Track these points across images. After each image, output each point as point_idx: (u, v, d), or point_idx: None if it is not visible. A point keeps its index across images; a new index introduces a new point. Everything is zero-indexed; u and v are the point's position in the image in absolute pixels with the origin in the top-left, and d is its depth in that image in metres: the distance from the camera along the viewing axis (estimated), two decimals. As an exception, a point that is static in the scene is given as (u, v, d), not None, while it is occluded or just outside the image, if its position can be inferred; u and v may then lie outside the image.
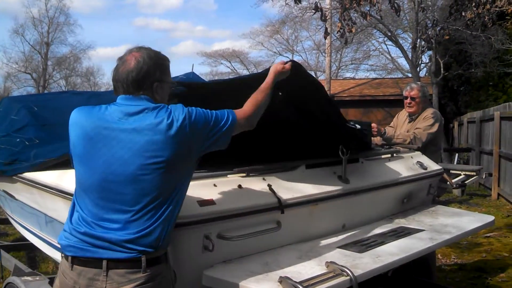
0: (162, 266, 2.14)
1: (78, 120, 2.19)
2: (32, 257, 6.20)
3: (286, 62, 2.65)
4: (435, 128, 4.67)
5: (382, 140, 4.65)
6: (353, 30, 6.14)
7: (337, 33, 5.88)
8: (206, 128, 2.18)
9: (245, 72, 46.59)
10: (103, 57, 72.32)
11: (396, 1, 6.07)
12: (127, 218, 2.06)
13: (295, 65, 2.68)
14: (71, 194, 3.06)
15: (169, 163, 2.07)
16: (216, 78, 46.01)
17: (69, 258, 2.11)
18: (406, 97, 4.87)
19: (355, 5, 5.53)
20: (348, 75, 33.64)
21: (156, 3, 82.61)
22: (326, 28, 6.45)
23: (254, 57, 52.66)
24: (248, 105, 2.42)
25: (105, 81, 51.96)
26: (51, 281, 3.81)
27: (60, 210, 3.36)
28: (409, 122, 4.92)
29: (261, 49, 42.50)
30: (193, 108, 2.20)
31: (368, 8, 6.82)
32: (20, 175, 3.75)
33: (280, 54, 41.69)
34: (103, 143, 2.09)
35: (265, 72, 2.68)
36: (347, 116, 18.06)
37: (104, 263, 2.03)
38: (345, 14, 5.68)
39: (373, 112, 19.26)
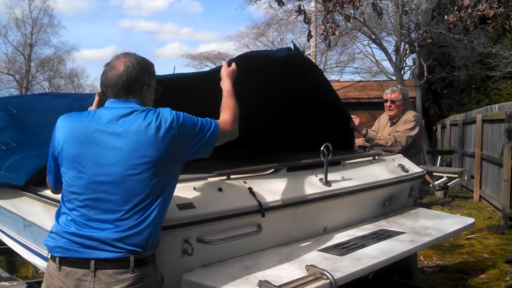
0: (149, 267, 2.16)
1: (67, 125, 2.22)
2: (12, 262, 6.10)
3: (230, 64, 2.70)
4: (415, 131, 4.71)
5: (364, 141, 4.67)
6: (336, 32, 6.15)
7: (321, 35, 5.91)
8: (193, 131, 2.23)
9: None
10: (88, 59, 71.68)
11: (380, 4, 6.11)
12: (116, 218, 2.09)
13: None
14: (50, 198, 3.03)
15: (158, 164, 2.12)
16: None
17: (57, 259, 2.11)
18: (386, 100, 4.91)
19: (338, 7, 5.56)
20: (333, 77, 33.68)
21: (141, 5, 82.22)
22: (310, 31, 6.48)
23: (239, 59, 52.40)
24: (227, 114, 2.45)
25: (89, 83, 51.54)
26: (30, 286, 3.76)
27: (38, 214, 3.31)
28: (390, 125, 4.96)
29: (247, 51, 42.53)
30: (180, 112, 2.25)
31: (352, 11, 6.86)
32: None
33: (266, 57, 41.81)
34: (94, 145, 2.13)
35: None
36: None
37: (92, 263, 2.04)
38: (329, 16, 5.71)
39: (357, 114, 19.05)
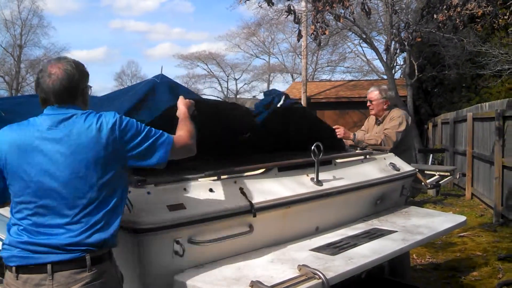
0: (107, 264, 2.19)
1: (8, 137, 2.20)
2: None
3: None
4: (403, 127, 4.73)
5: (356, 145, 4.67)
6: (327, 32, 6.14)
7: (311, 35, 5.89)
8: (136, 137, 2.22)
9: (222, 75, 46.61)
10: (79, 60, 70.92)
11: (370, 3, 6.12)
12: (67, 222, 2.11)
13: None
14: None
15: (101, 165, 2.14)
16: (193, 80, 45.87)
17: (13, 268, 2.11)
18: (367, 100, 5.02)
19: (328, 7, 5.55)
20: (324, 77, 33.92)
21: (132, 5, 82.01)
22: (300, 31, 6.46)
23: (230, 59, 52.56)
24: (182, 131, 2.45)
25: (80, 84, 51.19)
26: None
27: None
28: (378, 125, 5.00)
29: (238, 51, 42.64)
30: (128, 117, 2.27)
31: (342, 11, 6.86)
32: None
33: (257, 56, 41.87)
34: (36, 153, 2.13)
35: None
36: (323, 117, 18.12)
37: (49, 267, 2.06)
38: (318, 16, 5.70)
39: (349, 113, 19.39)
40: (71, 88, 2.23)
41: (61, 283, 2.07)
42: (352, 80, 24.63)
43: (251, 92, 49.30)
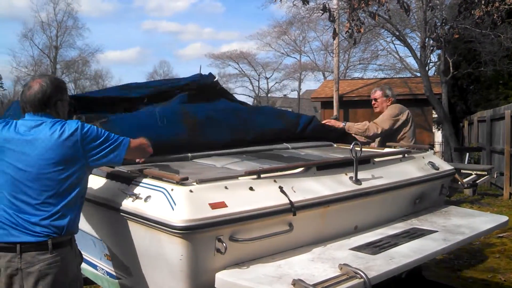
0: (67, 249, 2.60)
1: None
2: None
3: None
4: (395, 112, 5.16)
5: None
6: (362, 30, 6.08)
7: (346, 33, 5.84)
8: (96, 140, 2.67)
9: (253, 74, 46.68)
10: (112, 60, 72.73)
11: (405, 0, 6.03)
12: (35, 209, 2.53)
13: None
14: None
15: (62, 164, 2.57)
16: (224, 79, 46.10)
17: None
18: (372, 99, 5.48)
19: (363, 5, 5.50)
20: (356, 75, 33.52)
21: (164, 6, 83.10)
22: (335, 29, 6.41)
23: (261, 58, 52.69)
24: (140, 139, 2.91)
25: (114, 83, 52.12)
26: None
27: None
28: None
29: (269, 50, 42.56)
30: (89, 125, 2.73)
31: (376, 8, 6.78)
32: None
33: (288, 55, 41.74)
34: (11, 151, 2.60)
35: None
36: (356, 116, 17.88)
37: (18, 247, 2.48)
38: (354, 14, 5.65)
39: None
40: (44, 100, 2.67)
41: (27, 261, 2.48)
42: (384, 78, 24.24)
43: (282, 90, 49.28)
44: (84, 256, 3.51)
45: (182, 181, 2.58)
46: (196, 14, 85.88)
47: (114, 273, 3.14)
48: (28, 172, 2.54)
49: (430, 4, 10.00)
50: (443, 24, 7.88)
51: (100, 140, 2.67)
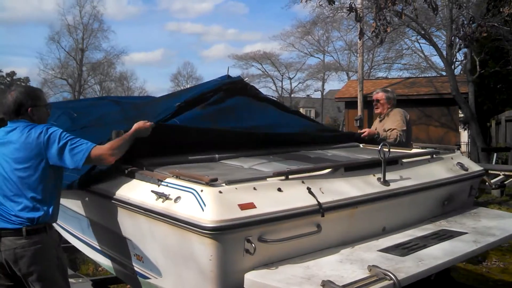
0: (42, 235, 2.96)
1: None
2: (73, 259, 6.34)
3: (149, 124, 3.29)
4: (405, 125, 5.30)
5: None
6: (388, 29, 6.04)
7: (372, 33, 5.81)
8: (57, 144, 2.95)
9: (276, 74, 46.64)
10: (137, 62, 73.57)
11: (432, -1, 5.95)
12: (11, 201, 2.94)
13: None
14: (112, 198, 3.14)
15: (29, 161, 2.94)
16: (246, 80, 46.12)
17: None
18: (373, 100, 5.67)
19: (390, 4, 5.46)
20: (380, 74, 33.23)
21: (188, 8, 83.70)
22: (361, 29, 6.37)
23: (285, 58, 52.61)
24: (108, 144, 3.10)
25: (138, 85, 52.76)
26: (94, 283, 3.90)
27: (103, 213, 3.43)
28: (379, 121, 5.57)
29: (292, 50, 42.39)
30: (55, 128, 3.04)
31: (401, 7, 6.71)
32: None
33: (311, 55, 41.56)
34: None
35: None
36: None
37: (2, 231, 2.90)
38: (380, 14, 5.61)
39: (407, 111, 18.92)
40: (15, 108, 3.05)
41: (6, 245, 2.91)
42: (409, 78, 23.96)
43: (306, 91, 49.10)
44: (113, 256, 3.59)
45: (212, 182, 2.60)
46: (220, 15, 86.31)
47: (143, 273, 3.18)
48: (6, 170, 2.97)
49: (457, 2, 9.82)
50: (471, 23, 7.77)
51: (61, 144, 2.96)
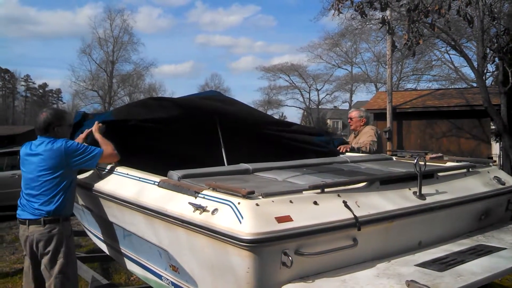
0: (57, 224, 3.76)
1: (21, 150, 4.02)
2: (106, 269, 6.42)
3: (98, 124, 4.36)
4: (375, 138, 6.07)
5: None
6: (421, 41, 6.00)
7: (404, 45, 5.78)
8: (76, 152, 3.82)
9: (304, 86, 46.61)
10: (167, 74, 74.61)
11: (464, 10, 5.90)
12: (35, 199, 3.77)
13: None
14: (149, 209, 3.19)
15: (52, 169, 3.76)
16: (274, 91, 46.17)
17: (18, 219, 3.88)
18: (348, 118, 6.55)
19: (422, 16, 5.42)
20: (409, 86, 32.93)
21: (217, 21, 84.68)
22: (394, 41, 6.33)
23: (312, 70, 52.51)
24: (108, 148, 4.05)
25: (167, 97, 53.18)
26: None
27: (138, 224, 3.49)
28: (355, 136, 6.37)
29: (320, 62, 42.38)
30: (72, 141, 3.91)
31: (430, 20, 6.64)
32: (99, 190, 3.93)
33: (339, 67, 41.47)
34: (27, 161, 3.90)
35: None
36: (409, 127, 17.42)
37: (27, 221, 3.79)
38: (412, 26, 5.58)
39: (437, 123, 18.67)
40: (44, 126, 3.87)
41: (31, 230, 3.76)
42: (440, 89, 23.64)
43: (333, 102, 48.92)
44: (148, 266, 3.64)
45: (249, 195, 2.62)
46: (249, 28, 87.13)
47: (179, 284, 3.21)
48: (32, 175, 3.81)
49: (491, 15, 9.66)
50: (505, 34, 7.64)
51: (79, 152, 3.83)
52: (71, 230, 3.90)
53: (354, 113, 6.52)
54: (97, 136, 4.25)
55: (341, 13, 6.15)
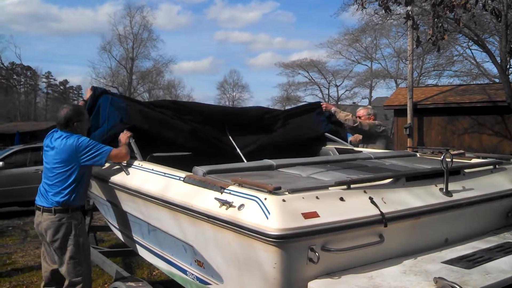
0: (66, 214, 4.06)
1: (44, 140, 4.29)
2: (128, 263, 6.51)
3: (127, 135, 4.44)
4: (367, 123, 6.19)
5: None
6: (446, 37, 5.93)
7: (428, 40, 5.71)
8: (86, 149, 4.04)
9: (323, 82, 46.44)
10: (186, 70, 75.00)
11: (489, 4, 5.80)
12: (50, 188, 4.09)
13: None
14: (175, 204, 3.22)
15: (64, 162, 4.04)
16: (292, 87, 46.07)
17: (35, 205, 4.19)
18: (356, 116, 6.49)
19: (447, 12, 5.35)
20: (429, 82, 32.56)
21: (236, 17, 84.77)
22: (418, 37, 6.27)
23: (332, 66, 52.04)
24: (121, 147, 4.27)
25: (185, 93, 53.62)
26: (154, 287, 4.00)
27: (163, 219, 3.52)
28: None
29: (339, 58, 42.18)
30: (84, 138, 4.11)
31: (452, 15, 6.55)
32: (125, 185, 3.98)
33: (359, 62, 41.20)
34: (47, 152, 4.19)
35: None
36: (431, 124, 17.21)
37: (42, 208, 4.10)
38: (437, 21, 5.51)
39: (459, 120, 18.44)
40: (64, 121, 4.14)
41: (44, 217, 4.06)
42: (461, 85, 23.33)
43: (353, 98, 48.66)
44: (173, 261, 3.67)
45: (275, 191, 2.63)
46: (268, 24, 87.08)
47: (204, 279, 3.24)
48: (48, 166, 4.12)
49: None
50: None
51: (88, 149, 4.04)
52: (81, 219, 4.16)
53: (362, 111, 6.60)
54: (122, 137, 4.42)
55: (365, 8, 6.10)
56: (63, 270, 4.06)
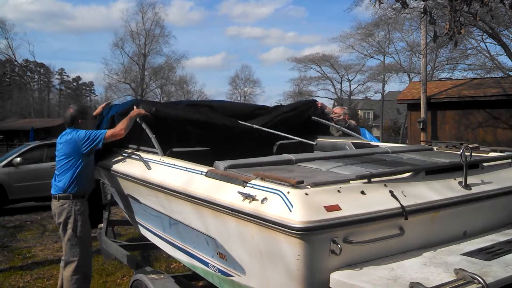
0: (67, 200, 4.61)
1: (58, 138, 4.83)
2: (146, 257, 6.60)
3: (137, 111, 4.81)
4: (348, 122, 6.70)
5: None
6: (463, 31, 5.92)
7: (445, 35, 5.71)
8: (84, 138, 4.59)
9: (335, 76, 46.28)
10: (198, 66, 75.17)
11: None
12: (57, 177, 4.69)
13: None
14: (197, 198, 3.29)
15: (67, 154, 4.62)
16: (304, 82, 45.96)
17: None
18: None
19: (464, 6, 5.35)
20: (443, 75, 32.32)
21: (248, 12, 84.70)
22: (435, 32, 6.26)
23: (344, 60, 51.94)
24: (121, 124, 4.71)
25: (197, 89, 53.79)
26: (177, 279, 4.08)
27: (185, 213, 3.59)
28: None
29: (352, 52, 42.06)
30: (82, 130, 4.66)
31: (467, 9, 6.52)
32: (147, 180, 4.05)
33: (371, 57, 41.00)
34: (57, 147, 4.73)
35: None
36: (444, 118, 17.08)
37: (52, 196, 4.68)
38: (454, 15, 5.50)
39: (473, 113, 18.33)
40: (70, 119, 4.75)
41: (52, 203, 4.68)
42: (475, 78, 23.14)
43: (365, 92, 48.49)
44: (194, 253, 3.74)
45: (298, 184, 2.68)
46: (280, 19, 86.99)
47: (226, 271, 3.31)
48: (57, 159, 4.70)
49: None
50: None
51: (86, 137, 4.58)
52: (81, 206, 4.65)
53: (338, 110, 6.95)
54: (132, 113, 4.79)
55: (382, 3, 6.11)
56: (63, 249, 4.70)
